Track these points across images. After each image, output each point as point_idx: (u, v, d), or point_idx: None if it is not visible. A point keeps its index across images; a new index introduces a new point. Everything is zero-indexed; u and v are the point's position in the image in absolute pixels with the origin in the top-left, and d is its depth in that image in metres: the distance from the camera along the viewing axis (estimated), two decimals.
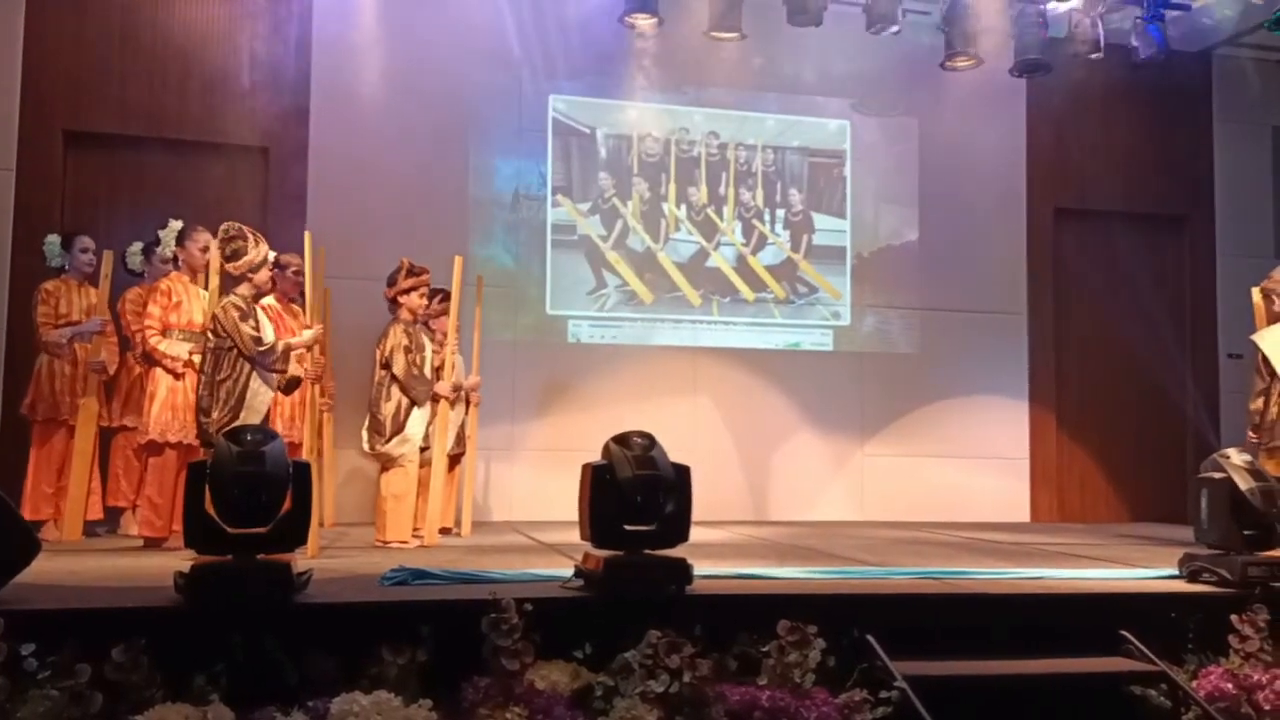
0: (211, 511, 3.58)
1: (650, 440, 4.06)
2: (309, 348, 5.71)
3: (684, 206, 8.88)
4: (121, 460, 6.51)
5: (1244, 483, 4.48)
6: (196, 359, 5.74)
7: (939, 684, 3.67)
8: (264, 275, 5.55)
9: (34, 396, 6.34)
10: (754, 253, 8.97)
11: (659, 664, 3.49)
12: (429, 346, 6.28)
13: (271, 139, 7.97)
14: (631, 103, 8.76)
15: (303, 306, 6.07)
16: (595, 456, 4.09)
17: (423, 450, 6.13)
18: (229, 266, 5.45)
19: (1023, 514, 9.15)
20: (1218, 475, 4.58)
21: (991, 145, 9.33)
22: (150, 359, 6.04)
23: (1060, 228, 9.56)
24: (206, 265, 5.90)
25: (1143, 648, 4.03)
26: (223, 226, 5.54)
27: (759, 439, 8.74)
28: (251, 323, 5.36)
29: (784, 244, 9.03)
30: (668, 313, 8.76)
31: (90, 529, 6.35)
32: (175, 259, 6.28)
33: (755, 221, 9.00)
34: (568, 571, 4.14)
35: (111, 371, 6.52)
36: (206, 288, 5.89)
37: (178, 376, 5.93)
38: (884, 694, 3.62)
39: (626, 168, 8.80)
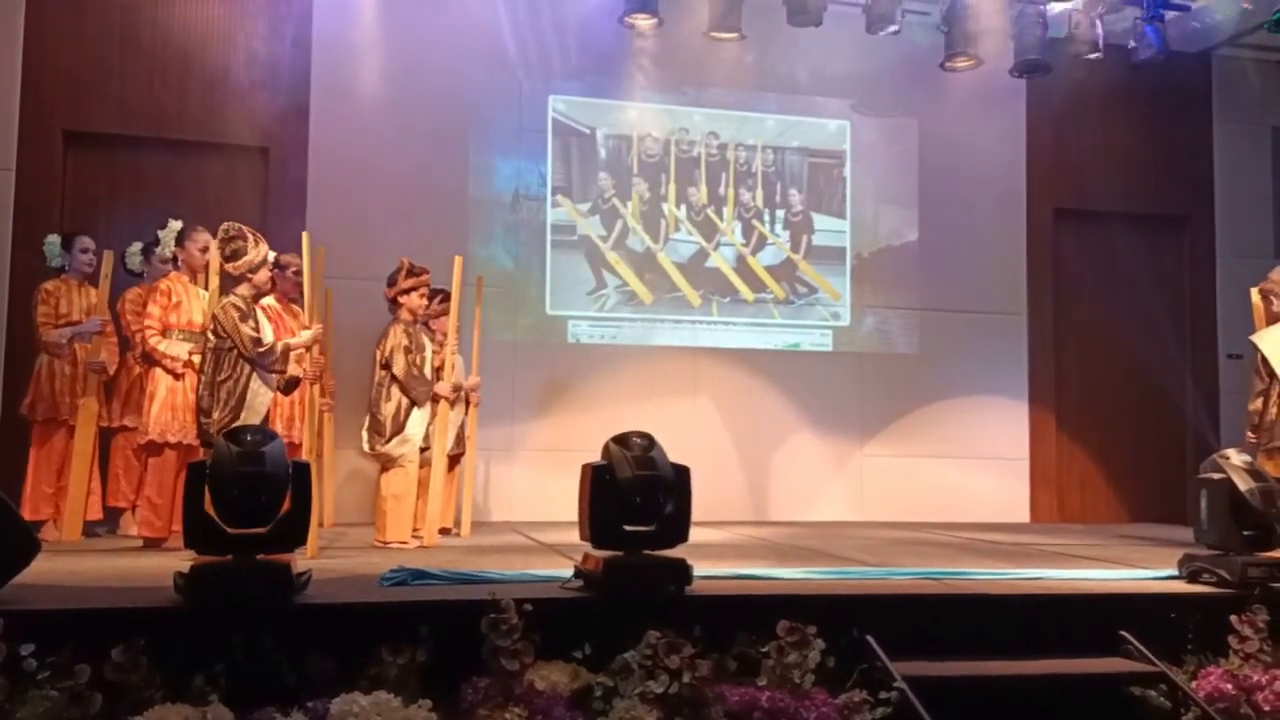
0: (211, 512, 3.58)
1: (650, 441, 4.06)
2: (308, 348, 5.71)
3: (684, 207, 8.88)
4: (121, 460, 6.51)
5: (1243, 483, 4.48)
6: (196, 359, 5.74)
7: (938, 684, 3.67)
8: (264, 275, 5.55)
9: (34, 396, 6.34)
10: (754, 253, 8.97)
11: (658, 664, 3.49)
12: (429, 347, 6.28)
13: (271, 139, 7.98)
14: (631, 103, 8.76)
15: (303, 307, 6.07)
16: (595, 457, 4.10)
17: (423, 451, 6.13)
18: (229, 267, 5.45)
19: (1022, 514, 9.15)
20: (1217, 476, 4.58)
21: (991, 145, 9.33)
22: (150, 359, 6.04)
23: (1060, 228, 9.56)
24: (206, 265, 5.90)
25: (1142, 648, 4.03)
26: (222, 226, 5.54)
27: (758, 439, 8.74)
28: (251, 323, 5.36)
29: (784, 244, 9.03)
30: (667, 313, 8.76)
31: (90, 529, 6.35)
32: (175, 259, 6.28)
33: (755, 222, 9.00)
34: (567, 572, 4.14)
35: (111, 372, 6.52)
36: (206, 288, 5.89)
37: (177, 377, 5.93)
38: (883, 694, 3.62)
39: (626, 168, 8.80)
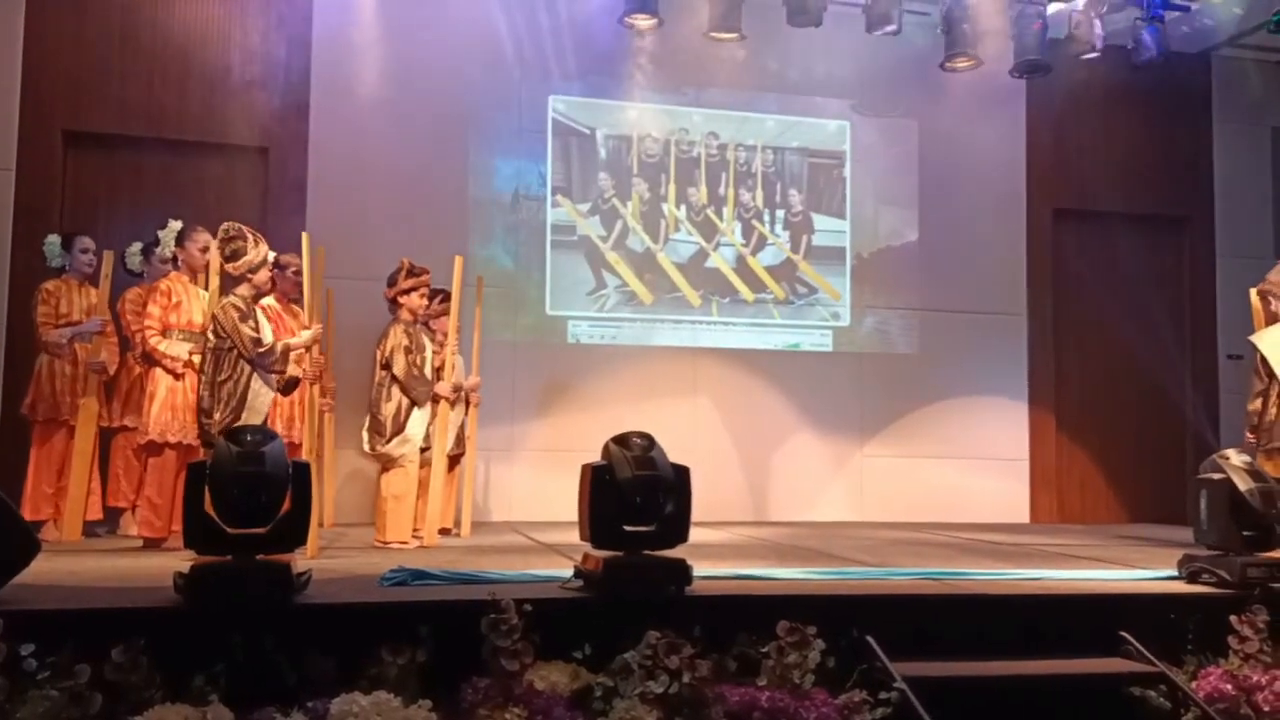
0: (211, 512, 3.58)
1: (650, 441, 4.06)
2: (308, 348, 5.71)
3: (684, 207, 8.88)
4: (121, 460, 6.51)
5: (1243, 484, 4.48)
6: (196, 359, 5.74)
7: (938, 685, 3.67)
8: (264, 275, 5.55)
9: (34, 396, 6.34)
10: (753, 253, 8.97)
11: (658, 665, 3.49)
12: (429, 347, 6.28)
13: (271, 139, 7.98)
14: (631, 103, 8.76)
15: (303, 307, 6.07)
16: (595, 457, 4.10)
17: (423, 451, 6.13)
18: (228, 267, 5.45)
19: (1022, 515, 9.15)
20: (1217, 476, 4.58)
21: (991, 146, 9.33)
22: (150, 359, 6.04)
23: (1060, 229, 9.56)
24: (206, 265, 5.91)
25: (1142, 649, 4.03)
26: (222, 227, 5.54)
27: (758, 439, 8.74)
28: (251, 323, 5.36)
29: (783, 244, 9.04)
30: (667, 313, 8.76)
31: (90, 529, 6.35)
32: (175, 259, 6.28)
33: (755, 222, 9.00)
34: (567, 572, 4.14)
35: (111, 372, 6.53)
36: (206, 288, 5.89)
37: (177, 377, 5.93)
38: (883, 695, 3.62)
39: (626, 168, 8.80)
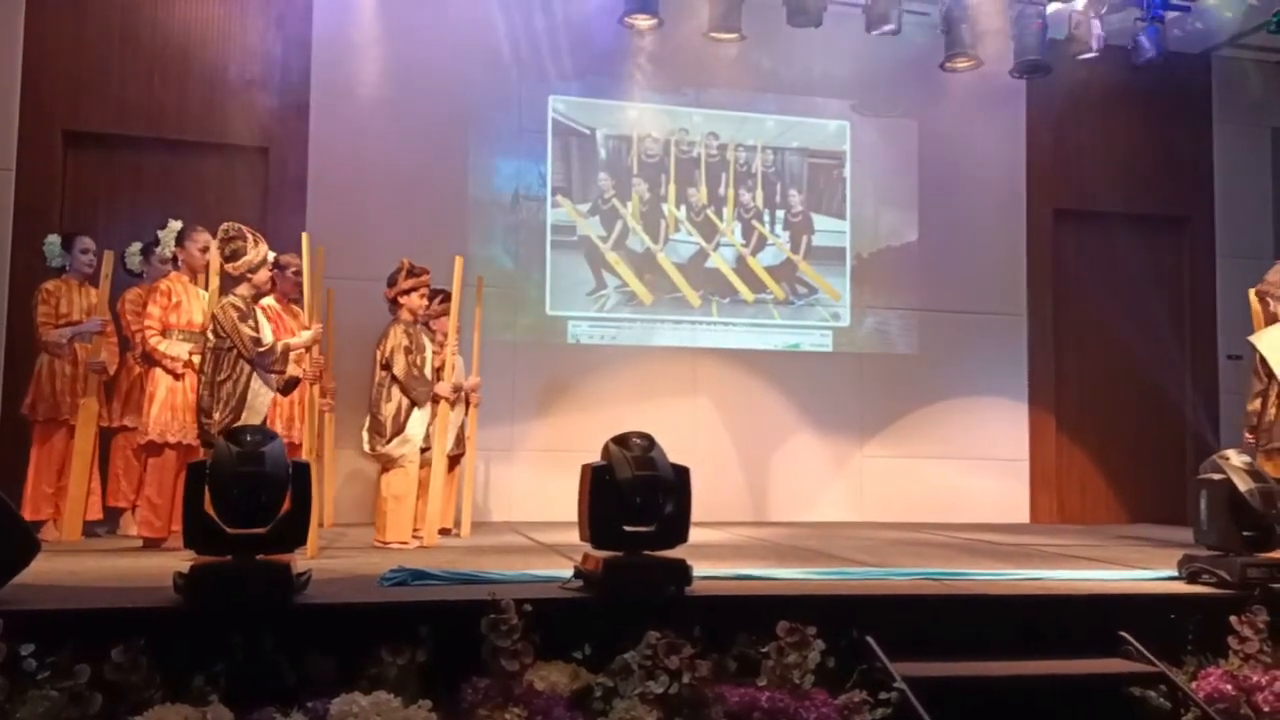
0: (211, 512, 3.58)
1: (649, 441, 4.06)
2: (308, 348, 5.71)
3: (684, 207, 8.88)
4: (121, 460, 6.51)
5: (1243, 484, 4.48)
6: (196, 359, 5.74)
7: (938, 685, 3.67)
8: (263, 275, 5.54)
9: (34, 396, 6.34)
10: (753, 254, 8.97)
11: (658, 665, 3.49)
12: (429, 347, 6.27)
13: (271, 139, 7.98)
14: (631, 103, 8.76)
15: (303, 307, 6.07)
16: (595, 457, 4.10)
17: (423, 451, 6.13)
18: (228, 267, 5.45)
19: (1022, 515, 9.15)
20: (1217, 476, 4.58)
21: (991, 146, 9.33)
22: (150, 359, 6.04)
23: (1060, 229, 9.56)
24: (206, 265, 5.91)
25: (1142, 649, 4.03)
26: (222, 227, 5.54)
27: (758, 440, 8.74)
28: (250, 323, 5.35)
29: (783, 245, 9.04)
30: (667, 313, 8.76)
31: (90, 529, 6.35)
32: (175, 259, 6.28)
33: (755, 222, 9.00)
34: (567, 572, 4.14)
35: (111, 372, 6.52)
36: (206, 288, 5.89)
37: (177, 377, 5.93)
38: (883, 695, 3.62)
39: (626, 168, 8.80)
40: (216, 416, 5.19)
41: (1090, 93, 9.20)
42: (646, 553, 3.97)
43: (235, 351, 5.27)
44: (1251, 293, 6.69)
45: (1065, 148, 9.50)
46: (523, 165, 8.55)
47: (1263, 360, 6.41)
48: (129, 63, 7.80)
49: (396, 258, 6.30)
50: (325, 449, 6.58)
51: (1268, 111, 9.81)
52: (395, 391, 6.00)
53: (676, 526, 4.03)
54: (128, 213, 7.55)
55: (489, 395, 7.46)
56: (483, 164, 8.45)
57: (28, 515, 5.90)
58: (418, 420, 6.04)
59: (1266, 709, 3.94)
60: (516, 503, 8.12)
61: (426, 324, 6.56)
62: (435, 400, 6.21)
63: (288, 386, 5.67)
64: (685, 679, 3.47)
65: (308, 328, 5.79)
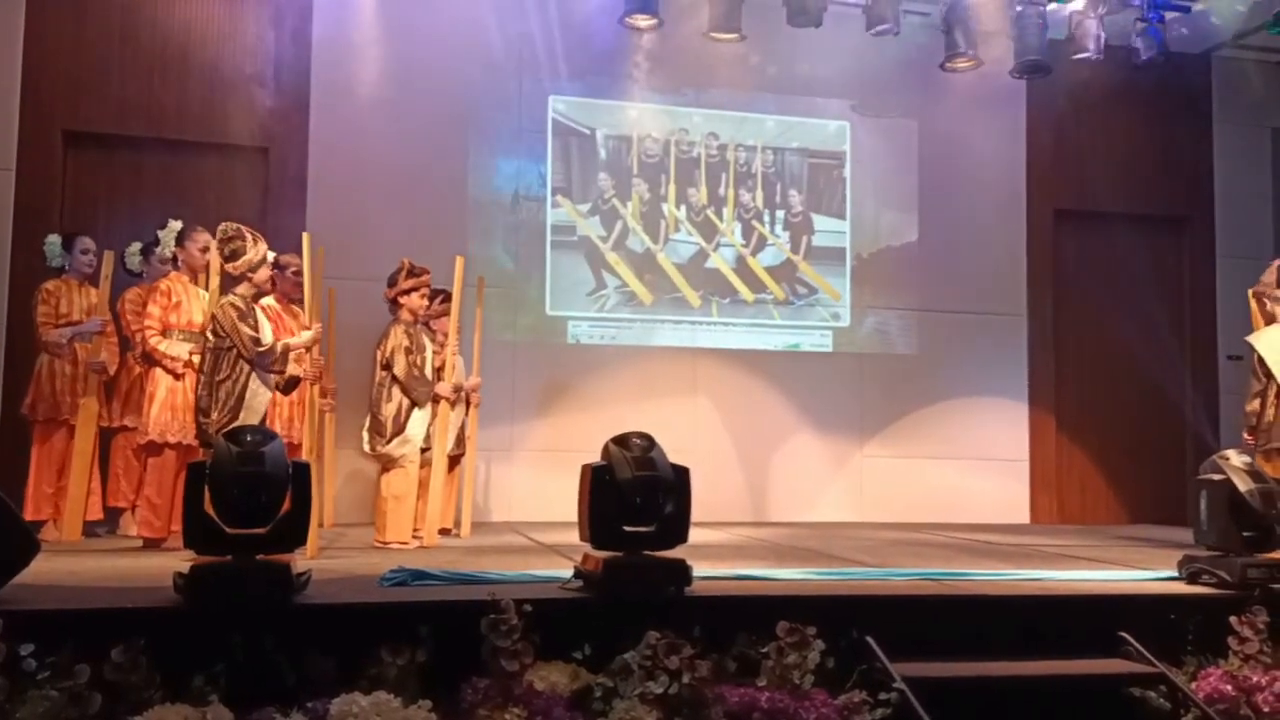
0: (211, 512, 3.58)
1: (649, 441, 4.06)
2: (308, 348, 5.71)
3: (684, 207, 8.88)
4: (121, 461, 6.51)
5: (1243, 484, 4.48)
6: (196, 359, 5.74)
7: (938, 685, 3.67)
8: (263, 274, 5.54)
9: (34, 396, 6.34)
10: (753, 254, 8.97)
11: (658, 665, 3.49)
12: (429, 347, 6.27)
13: (271, 139, 7.98)
14: (631, 103, 8.77)
15: (303, 307, 6.07)
16: (595, 457, 4.10)
17: (423, 451, 6.13)
18: (228, 267, 5.45)
19: (1022, 515, 9.15)
20: (1217, 477, 4.58)
21: (991, 146, 9.33)
22: (150, 359, 6.03)
23: (1060, 229, 9.56)
24: (206, 265, 5.91)
25: (1142, 649, 4.03)
26: (220, 227, 5.53)
27: (758, 440, 8.74)
28: (250, 322, 5.35)
29: (783, 245, 9.04)
30: (667, 314, 8.76)
31: (90, 529, 6.34)
32: (175, 259, 6.28)
33: (755, 222, 9.00)
34: (567, 572, 4.14)
35: (111, 372, 6.52)
36: (207, 288, 5.89)
37: (178, 377, 5.93)
38: (883, 695, 3.62)
39: (626, 168, 8.80)
40: (214, 416, 5.19)
41: (1090, 93, 9.19)
42: (646, 553, 3.97)
43: (235, 351, 5.27)
44: (1250, 293, 6.69)
45: (1065, 148, 9.49)
46: (523, 165, 8.55)
47: (1261, 360, 6.41)
48: (129, 62, 7.80)
49: (396, 258, 6.30)
50: (325, 449, 6.58)
51: (1268, 111, 9.81)
52: (395, 392, 6.00)
53: (676, 526, 4.02)
54: (128, 213, 7.56)
55: (489, 395, 7.46)
56: (483, 164, 8.45)
57: (29, 515, 5.90)
58: (418, 420, 6.04)
59: (1266, 709, 3.94)
60: (516, 503, 8.12)
61: (427, 324, 6.56)
62: (436, 400, 6.20)
63: (288, 386, 5.67)
64: (685, 679, 3.47)
65: (308, 328, 5.79)
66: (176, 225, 6.34)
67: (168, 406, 5.87)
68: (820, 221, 9.12)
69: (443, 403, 6.27)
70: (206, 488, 3.57)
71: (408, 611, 3.64)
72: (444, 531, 6.49)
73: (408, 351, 6.02)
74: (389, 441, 5.97)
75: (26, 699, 3.10)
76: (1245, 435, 6.48)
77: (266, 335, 5.43)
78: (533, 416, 8.35)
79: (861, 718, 3.58)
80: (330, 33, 8.09)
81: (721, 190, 8.96)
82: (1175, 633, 4.15)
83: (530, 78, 8.53)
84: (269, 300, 6.34)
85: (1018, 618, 4.17)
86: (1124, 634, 4.10)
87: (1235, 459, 4.63)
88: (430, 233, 7.76)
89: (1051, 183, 9.48)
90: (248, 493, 3.55)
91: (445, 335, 6.45)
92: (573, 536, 4.32)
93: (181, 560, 4.04)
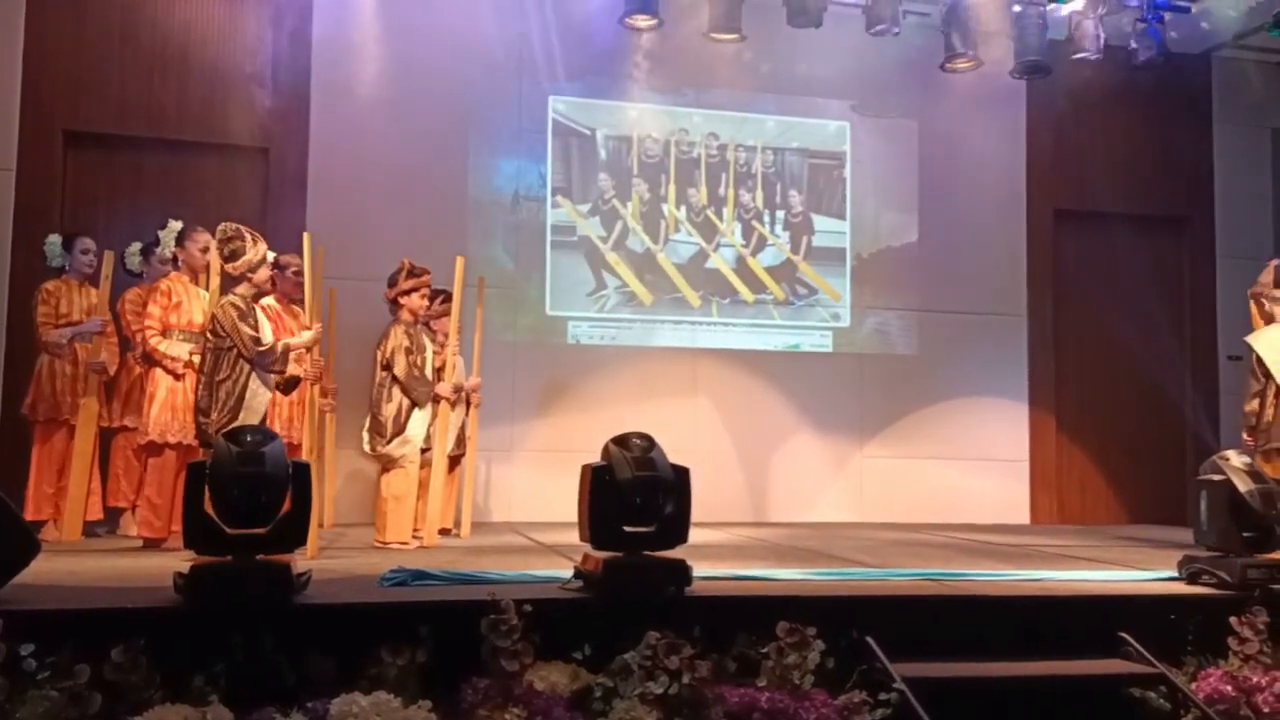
0: (211, 512, 3.58)
1: (649, 441, 4.06)
2: (308, 348, 5.71)
3: (684, 208, 8.88)
4: (121, 461, 6.51)
5: (1243, 485, 4.48)
6: (196, 360, 5.73)
7: (938, 686, 3.67)
8: (263, 274, 5.54)
9: (34, 396, 6.34)
10: (754, 254, 8.97)
11: (658, 665, 3.49)
12: (430, 348, 6.27)
13: (271, 139, 7.98)
14: (631, 104, 8.77)
15: (303, 307, 6.07)
16: (595, 458, 4.10)
17: (423, 451, 6.13)
18: (228, 267, 5.45)
19: (1022, 516, 9.15)
20: (1217, 477, 4.58)
21: (991, 147, 9.33)
22: (150, 359, 6.03)
23: (1060, 229, 9.56)
24: (207, 266, 5.90)
25: (1142, 650, 4.03)
26: (220, 227, 5.52)
27: (758, 440, 8.74)
28: (250, 322, 5.35)
29: (783, 245, 9.04)
30: (667, 314, 8.76)
31: (90, 529, 6.34)
32: (175, 259, 6.28)
33: (755, 223, 9.00)
34: (567, 573, 4.14)
35: (112, 372, 6.52)
36: (207, 288, 5.89)
37: (178, 377, 5.92)
38: (883, 696, 3.62)
39: (626, 169, 8.80)
40: (214, 416, 5.19)
41: (1090, 93, 9.19)
42: (646, 553, 3.97)
43: (235, 351, 5.26)
44: (1249, 294, 6.70)
45: (1065, 148, 9.50)
46: (523, 165, 8.55)
47: (1259, 360, 6.42)
48: (129, 62, 7.80)
49: (397, 258, 6.30)
50: (325, 449, 6.58)
51: (1268, 112, 9.81)
52: (396, 392, 6.00)
53: (676, 527, 4.03)
54: (128, 213, 7.56)
55: (489, 395, 7.45)
56: (483, 164, 8.46)
57: (29, 515, 5.90)
58: (418, 421, 6.04)
59: (1266, 710, 3.94)
60: (516, 503, 8.12)
61: (427, 324, 6.56)
62: (436, 401, 6.20)
63: (288, 386, 5.67)
64: (685, 679, 3.48)
65: (308, 328, 5.79)
66: (176, 225, 6.34)
67: (168, 406, 5.87)
68: (820, 222, 9.12)
69: (443, 403, 6.27)
70: (206, 488, 3.57)
71: (408, 611, 3.64)
72: (444, 532, 6.49)
73: (408, 352, 6.02)
74: (389, 442, 5.97)
75: (26, 699, 3.10)
76: (1244, 435, 6.49)
77: (267, 335, 5.43)
78: (533, 417, 8.35)
79: (861, 718, 3.58)
80: (330, 33, 8.09)
81: (721, 190, 8.96)
82: (1175, 633, 4.15)
83: (530, 78, 8.53)
84: (269, 300, 6.34)
85: (1018, 618, 4.17)
86: (1124, 634, 4.10)
87: (1235, 459, 4.63)
88: (430, 233, 7.76)
89: (1051, 183, 9.48)
90: (248, 493, 3.55)
91: (445, 335, 6.45)
92: (573, 536, 4.32)
93: (181, 560, 4.04)
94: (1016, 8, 8.32)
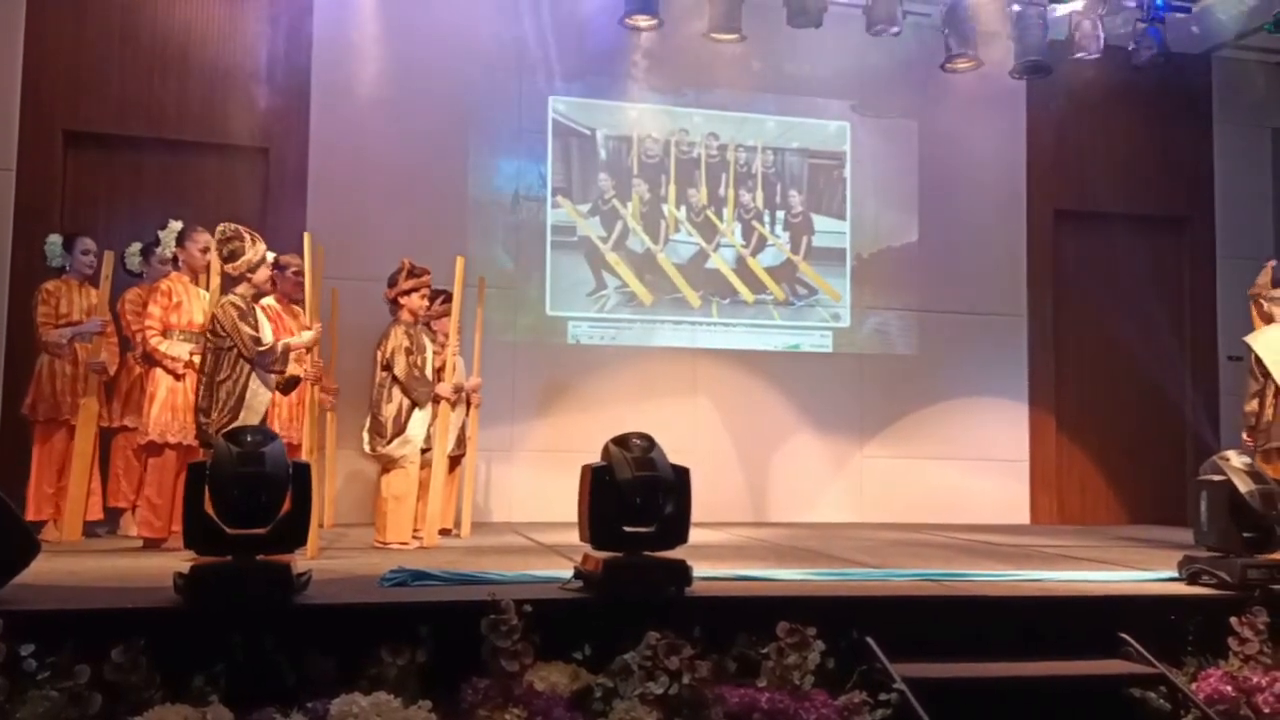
0: (211, 512, 3.58)
1: (649, 442, 4.06)
2: (308, 348, 5.70)
3: (684, 208, 8.88)
4: (121, 461, 6.51)
5: (1243, 485, 4.48)
6: (197, 360, 5.73)
7: (938, 686, 3.67)
8: (263, 274, 5.53)
9: (35, 396, 6.34)
10: (754, 254, 8.97)
11: (658, 665, 3.49)
12: (430, 348, 6.27)
13: (271, 139, 7.98)
14: (631, 104, 8.77)
15: (303, 307, 6.07)
16: (595, 458, 4.10)
17: (424, 452, 6.13)
18: (227, 267, 5.45)
19: (1022, 516, 9.15)
20: (1217, 478, 4.58)
21: (992, 147, 9.33)
22: (150, 359, 6.03)
23: (1060, 229, 9.56)
24: (207, 266, 5.90)
25: (1142, 650, 4.03)
26: (219, 228, 5.52)
27: (758, 440, 8.74)
28: (250, 322, 5.35)
29: (783, 245, 9.04)
30: (667, 314, 8.76)
31: (90, 529, 6.34)
32: (175, 259, 6.28)
33: (755, 223, 9.00)
34: (567, 573, 4.14)
35: (112, 372, 6.52)
36: (207, 288, 5.89)
37: (178, 377, 5.92)
38: (883, 696, 3.62)
39: (626, 169, 8.80)
40: (214, 416, 5.19)
41: (1090, 93, 9.19)
42: (646, 553, 3.97)
43: (235, 351, 5.26)
44: (1249, 295, 6.71)
45: (1065, 148, 9.50)
46: (523, 165, 8.55)
47: (1259, 361, 6.42)
48: (129, 62, 7.80)
49: (397, 258, 6.30)
50: (327, 449, 6.58)
51: (1268, 112, 9.81)
52: (396, 392, 5.99)
53: (676, 527, 4.03)
54: (128, 213, 7.56)
55: (489, 396, 7.45)
56: (483, 164, 8.46)
57: (29, 515, 5.90)
58: (418, 421, 6.04)
59: (1266, 710, 3.94)
60: (516, 503, 8.12)
61: (427, 324, 6.56)
62: (436, 401, 6.20)
63: (288, 386, 5.67)
64: (685, 680, 3.48)
65: (308, 328, 5.79)
66: (177, 225, 6.33)
67: (168, 407, 5.87)
68: (820, 222, 9.12)
69: (443, 403, 6.26)
70: (206, 488, 3.57)
71: (408, 612, 3.64)
72: (444, 532, 6.49)
73: (408, 352, 6.02)
74: (389, 442, 5.96)
75: (26, 699, 3.10)
76: (1244, 435, 6.49)
77: (267, 335, 5.43)
78: (533, 417, 8.35)
79: (861, 718, 3.58)
80: (330, 32, 8.09)
81: (721, 191, 8.96)
82: (1175, 633, 4.16)
83: (530, 78, 8.53)
84: (269, 300, 6.34)
85: (1018, 618, 4.17)
86: (1124, 635, 4.10)
87: (1235, 460, 4.63)
88: (430, 233, 7.76)
89: (1051, 183, 9.49)
90: (248, 493, 3.55)
91: (446, 336, 6.45)
92: (573, 537, 4.32)
93: (181, 560, 4.04)
94: (1016, 8, 8.33)
